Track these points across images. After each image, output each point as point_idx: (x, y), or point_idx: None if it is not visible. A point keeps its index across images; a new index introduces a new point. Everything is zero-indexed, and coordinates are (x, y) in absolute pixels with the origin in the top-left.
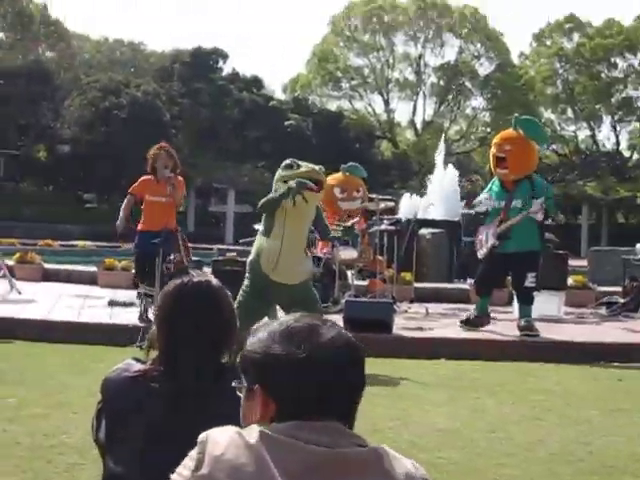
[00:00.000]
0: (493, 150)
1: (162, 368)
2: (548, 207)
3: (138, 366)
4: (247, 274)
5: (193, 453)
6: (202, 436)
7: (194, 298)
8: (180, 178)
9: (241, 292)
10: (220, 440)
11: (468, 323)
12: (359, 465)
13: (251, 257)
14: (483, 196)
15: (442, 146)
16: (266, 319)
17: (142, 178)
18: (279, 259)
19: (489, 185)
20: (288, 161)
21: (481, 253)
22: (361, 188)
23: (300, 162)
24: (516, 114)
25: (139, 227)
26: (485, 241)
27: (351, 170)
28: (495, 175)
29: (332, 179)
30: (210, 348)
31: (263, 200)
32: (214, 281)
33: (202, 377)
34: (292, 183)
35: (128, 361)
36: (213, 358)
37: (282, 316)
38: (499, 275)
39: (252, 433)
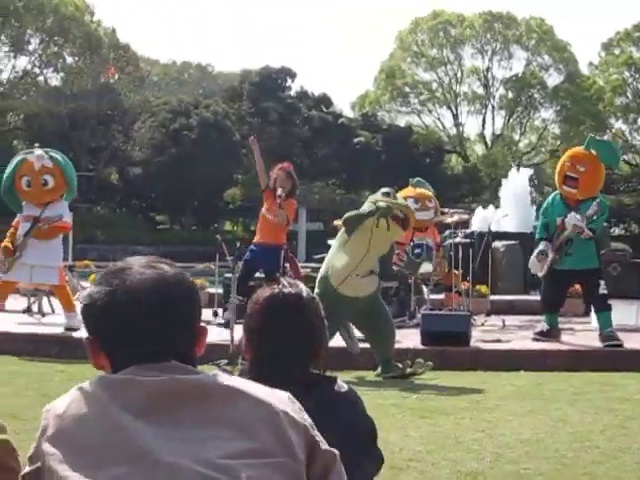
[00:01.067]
0: (564, 168)
1: (254, 377)
2: (598, 228)
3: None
4: (317, 288)
5: (40, 424)
6: (47, 405)
7: (285, 309)
8: (293, 201)
9: None
10: (62, 401)
11: (542, 335)
12: (201, 388)
13: (321, 271)
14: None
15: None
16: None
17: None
18: (349, 273)
19: (549, 198)
20: (386, 189)
21: (541, 271)
22: (433, 199)
23: (398, 196)
24: (591, 134)
25: (255, 239)
26: (545, 258)
27: (419, 184)
28: (559, 190)
29: (402, 193)
30: (300, 359)
31: (350, 214)
32: (305, 292)
33: (293, 389)
34: (382, 204)
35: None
36: (304, 368)
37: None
38: (561, 292)
39: (91, 382)
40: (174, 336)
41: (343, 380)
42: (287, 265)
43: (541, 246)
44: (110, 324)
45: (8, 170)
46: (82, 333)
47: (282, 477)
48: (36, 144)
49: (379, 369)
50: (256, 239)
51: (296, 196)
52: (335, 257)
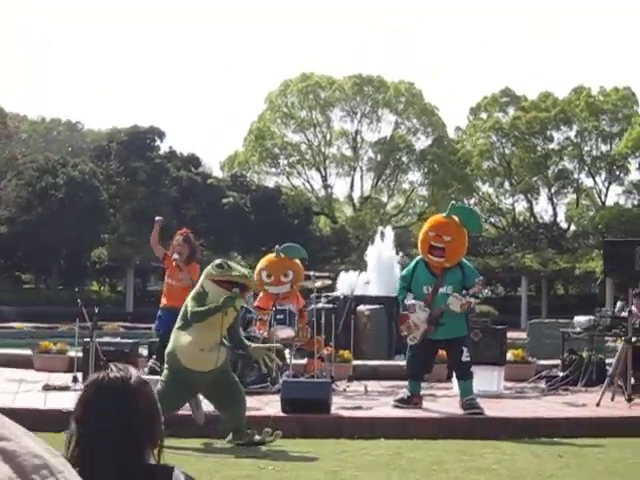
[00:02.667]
0: (428, 238)
1: (77, 469)
2: (473, 296)
3: None
4: (166, 365)
5: None
6: None
7: (109, 395)
8: (195, 264)
9: (160, 383)
10: None
11: (402, 402)
12: None
13: (169, 349)
14: (413, 302)
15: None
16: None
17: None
18: (194, 352)
19: (411, 265)
20: (219, 261)
21: (412, 339)
22: (290, 272)
23: (230, 262)
24: (452, 202)
25: (161, 303)
26: (416, 326)
27: (286, 251)
28: (423, 256)
29: (264, 260)
30: (130, 448)
31: (198, 310)
32: (134, 376)
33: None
34: (224, 297)
35: None
36: (134, 459)
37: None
38: (430, 360)
39: None
40: None
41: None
42: None
43: (407, 301)
44: None
45: None
46: None
47: None
48: None
49: (230, 436)
50: (162, 304)
51: (198, 259)
52: (180, 334)
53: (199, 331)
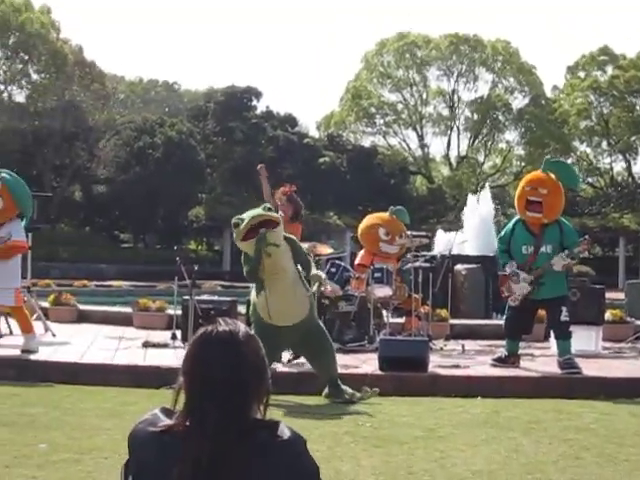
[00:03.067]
0: (525, 193)
1: (186, 423)
2: (575, 255)
3: (164, 420)
4: (251, 319)
5: None
6: None
7: (217, 349)
8: (297, 225)
9: None
10: None
11: (500, 361)
12: None
13: (251, 311)
14: (517, 272)
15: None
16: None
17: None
18: (270, 306)
19: (509, 226)
20: (233, 220)
21: (514, 300)
22: (404, 234)
23: (241, 216)
24: (546, 157)
25: None
26: (517, 288)
27: (398, 214)
28: (521, 215)
29: (379, 218)
30: (237, 402)
31: (247, 271)
32: (242, 330)
33: (229, 434)
34: (254, 243)
35: (156, 412)
36: (241, 413)
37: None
38: (529, 320)
39: None
40: None
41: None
42: None
43: (508, 269)
44: None
45: None
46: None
47: None
48: None
49: (326, 390)
50: None
51: (301, 218)
52: (256, 296)
53: (268, 286)
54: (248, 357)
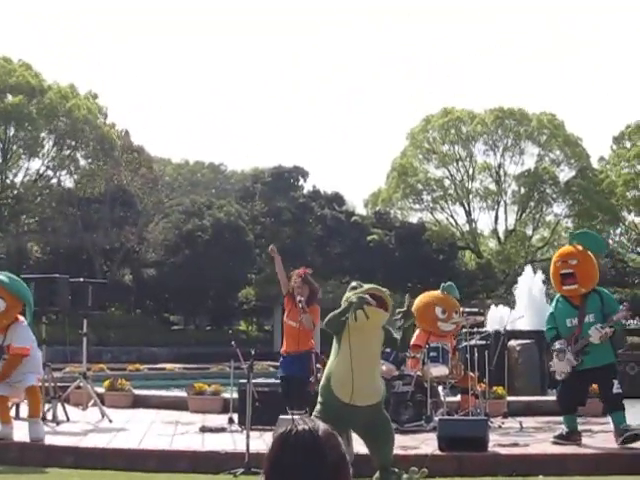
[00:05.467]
0: (557, 268)
1: None
2: (614, 325)
3: None
4: (319, 399)
5: None
6: None
7: (298, 452)
8: (316, 306)
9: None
10: None
11: (561, 438)
12: None
13: (322, 382)
14: (562, 348)
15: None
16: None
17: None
18: (351, 381)
19: (552, 303)
20: (354, 283)
21: (560, 374)
22: (458, 310)
23: (365, 284)
24: (570, 231)
25: (283, 347)
26: (569, 361)
27: (449, 290)
28: (558, 292)
29: (432, 297)
30: None
31: (328, 317)
32: (321, 429)
33: None
34: (353, 298)
35: None
36: None
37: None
38: (581, 393)
39: None
40: None
41: None
42: (319, 368)
43: (557, 345)
44: None
45: None
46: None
47: None
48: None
49: (377, 474)
50: (283, 349)
51: (318, 300)
52: (330, 365)
53: (345, 359)
54: (329, 458)
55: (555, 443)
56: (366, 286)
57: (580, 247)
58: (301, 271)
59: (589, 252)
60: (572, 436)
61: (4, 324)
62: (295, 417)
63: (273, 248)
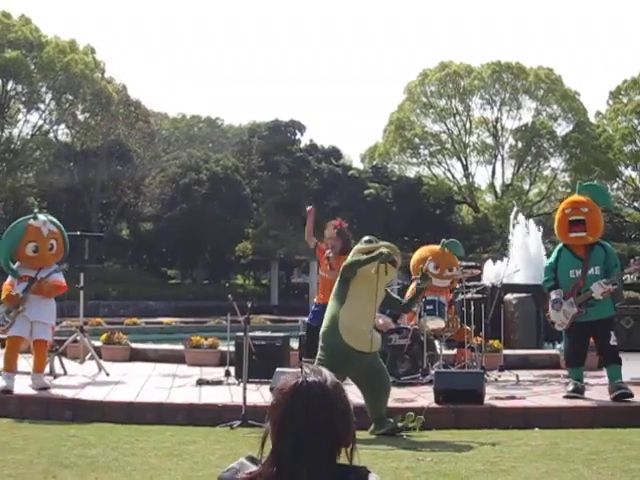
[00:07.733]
0: (566, 215)
1: (275, 470)
2: (615, 281)
3: (251, 467)
4: (321, 344)
5: None
6: None
7: (307, 400)
8: (343, 258)
9: (317, 363)
10: None
11: (576, 392)
12: None
13: (327, 326)
14: (558, 298)
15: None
16: None
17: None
18: (360, 326)
19: (554, 254)
20: (368, 237)
21: (561, 324)
22: (454, 268)
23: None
24: (579, 181)
25: (317, 298)
26: (565, 312)
27: (450, 246)
28: (563, 240)
29: (429, 251)
30: (326, 450)
31: (350, 260)
32: (330, 380)
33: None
34: (384, 250)
35: (242, 461)
36: (332, 459)
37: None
38: (586, 343)
39: None
40: None
41: None
42: None
43: (553, 295)
44: None
45: (12, 238)
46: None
47: None
48: (36, 210)
49: (372, 427)
50: (316, 299)
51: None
52: (340, 310)
53: (362, 306)
54: (337, 406)
55: (570, 397)
56: (382, 243)
57: (589, 198)
58: (337, 222)
59: (597, 204)
60: (582, 387)
61: (50, 263)
62: (304, 367)
63: (312, 209)
